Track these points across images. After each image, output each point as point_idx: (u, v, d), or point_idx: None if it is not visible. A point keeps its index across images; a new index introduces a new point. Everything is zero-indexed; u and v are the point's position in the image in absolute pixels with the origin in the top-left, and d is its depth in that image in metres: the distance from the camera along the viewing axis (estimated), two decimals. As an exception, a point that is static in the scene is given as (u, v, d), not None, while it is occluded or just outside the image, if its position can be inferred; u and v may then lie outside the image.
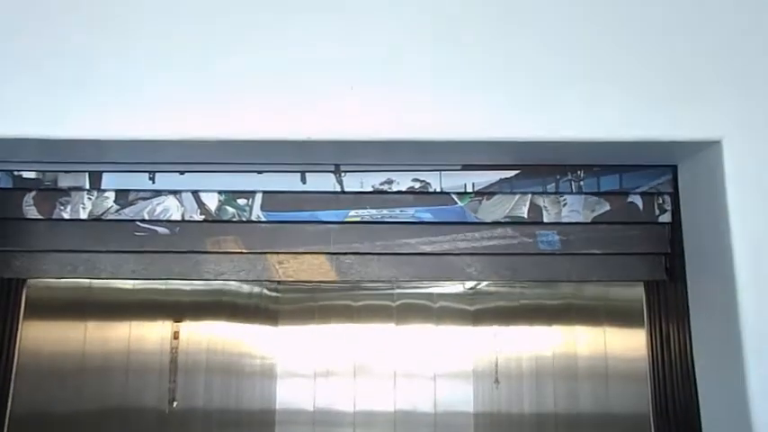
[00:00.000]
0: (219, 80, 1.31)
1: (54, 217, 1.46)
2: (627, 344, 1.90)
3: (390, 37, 1.33)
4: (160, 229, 1.47)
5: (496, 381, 4.47)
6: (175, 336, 3.09)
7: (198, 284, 3.58)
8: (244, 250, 1.47)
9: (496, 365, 4.47)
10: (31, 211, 1.45)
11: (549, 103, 1.31)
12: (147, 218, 1.46)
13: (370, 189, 1.44)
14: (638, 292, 1.68)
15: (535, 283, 3.25)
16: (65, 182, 1.45)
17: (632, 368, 1.80)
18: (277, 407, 5.61)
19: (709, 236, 1.31)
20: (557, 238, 1.49)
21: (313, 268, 1.48)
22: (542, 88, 1.31)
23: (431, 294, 5.88)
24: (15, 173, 1.44)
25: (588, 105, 1.31)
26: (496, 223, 1.47)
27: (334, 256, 1.49)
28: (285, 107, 1.29)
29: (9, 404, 1.74)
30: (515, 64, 1.33)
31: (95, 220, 1.47)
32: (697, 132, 1.28)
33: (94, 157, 1.39)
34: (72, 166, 1.41)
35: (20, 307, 1.75)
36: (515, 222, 1.47)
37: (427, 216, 1.46)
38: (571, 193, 1.44)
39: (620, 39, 1.34)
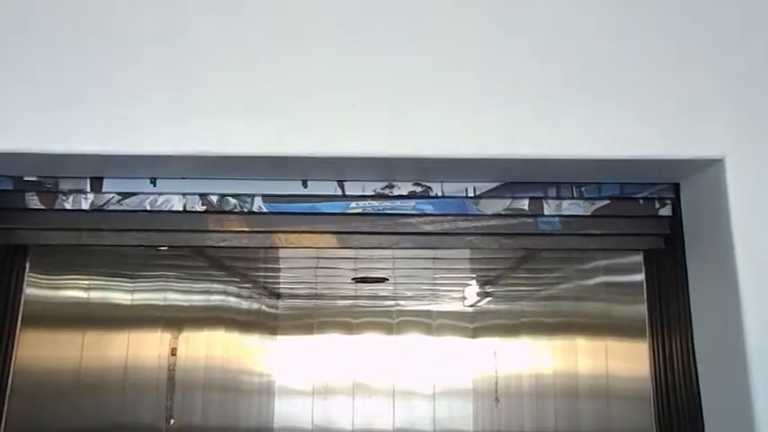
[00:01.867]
0: (221, 96, 1.31)
1: (56, 207, 1.49)
2: (629, 362, 1.89)
3: (392, 55, 1.33)
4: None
5: (496, 399, 4.45)
6: (173, 352, 3.08)
7: (196, 300, 3.57)
8: (246, 229, 1.48)
9: (496, 384, 4.46)
10: (34, 202, 1.48)
11: (549, 120, 1.30)
12: (149, 208, 1.48)
13: (372, 193, 1.45)
14: (640, 309, 1.67)
15: (536, 301, 3.24)
16: (66, 185, 1.47)
17: (634, 387, 1.79)
18: (275, 424, 5.60)
19: (713, 253, 1.30)
20: (557, 220, 1.49)
21: (315, 238, 1.49)
22: (543, 106, 1.31)
23: (430, 312, 5.87)
24: (16, 176, 1.46)
25: (590, 123, 1.30)
26: (497, 214, 1.47)
27: (337, 234, 1.50)
28: (287, 123, 1.29)
29: (3, 421, 1.72)
30: (516, 82, 1.33)
31: (97, 210, 1.48)
32: (699, 150, 1.28)
33: (96, 169, 1.39)
34: (73, 174, 1.43)
35: (17, 321, 1.74)
36: (517, 215, 1.47)
37: (428, 208, 1.47)
38: (572, 198, 1.46)
39: (621, 56, 1.34)
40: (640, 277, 1.66)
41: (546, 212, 1.48)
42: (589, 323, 2.28)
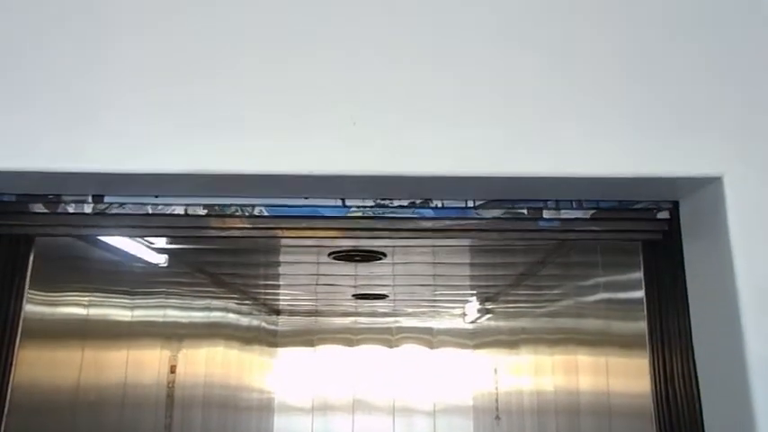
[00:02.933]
0: (221, 115, 1.32)
1: (59, 211, 1.50)
2: (630, 378, 1.88)
3: (392, 73, 1.34)
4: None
5: (497, 417, 4.43)
6: (172, 369, 3.07)
7: (196, 317, 3.56)
8: (247, 226, 1.49)
9: (497, 401, 4.44)
10: (37, 207, 1.49)
11: (547, 139, 1.31)
12: (150, 212, 1.49)
13: (372, 204, 1.46)
14: (640, 326, 1.67)
15: (536, 318, 3.23)
16: (68, 198, 1.48)
17: (635, 404, 1.78)
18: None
19: (713, 271, 1.30)
20: (557, 222, 1.50)
21: (317, 232, 1.51)
22: (539, 124, 1.31)
23: (430, 329, 5.86)
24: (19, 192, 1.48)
25: (588, 142, 1.31)
26: (497, 218, 1.48)
27: (338, 230, 1.51)
28: (288, 142, 1.30)
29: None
30: (513, 99, 1.34)
31: (99, 213, 1.49)
32: (697, 168, 1.28)
33: (97, 187, 1.40)
34: (75, 191, 1.44)
35: (15, 337, 1.74)
36: (516, 218, 1.48)
37: (428, 213, 1.48)
38: (571, 208, 1.47)
39: (619, 75, 1.35)
40: (640, 294, 1.66)
41: (545, 216, 1.49)
42: (589, 340, 2.27)
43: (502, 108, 1.33)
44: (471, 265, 3.40)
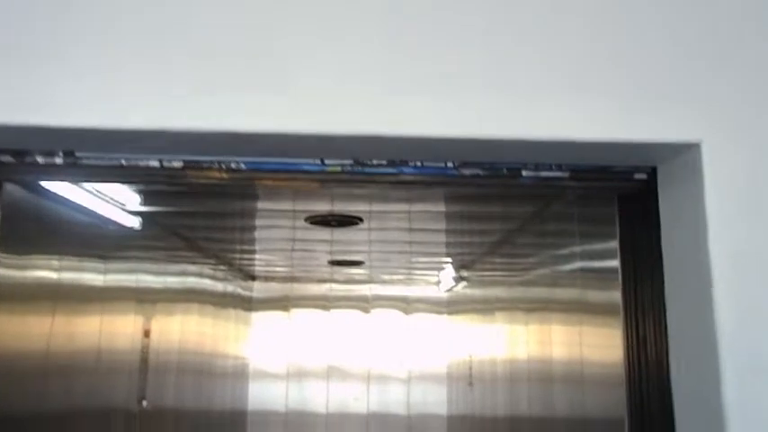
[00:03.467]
0: (196, 72, 1.28)
1: (27, 161, 1.45)
2: (603, 348, 1.90)
3: (374, 34, 1.30)
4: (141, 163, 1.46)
5: (470, 383, 4.48)
6: (146, 334, 3.04)
7: (170, 282, 3.53)
8: (225, 176, 1.46)
9: (470, 369, 4.48)
10: (5, 158, 1.44)
11: (526, 103, 1.29)
12: (124, 164, 1.45)
13: (351, 161, 1.44)
14: (615, 296, 1.68)
15: (511, 287, 3.25)
16: (37, 153, 1.44)
17: (608, 373, 1.80)
18: (249, 407, 5.59)
19: (688, 237, 1.31)
20: (535, 178, 1.51)
21: (296, 184, 1.49)
22: (519, 88, 1.29)
23: (406, 297, 5.89)
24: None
25: (567, 106, 1.29)
26: (477, 175, 1.48)
27: (318, 182, 1.50)
28: (266, 100, 1.27)
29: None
30: (493, 63, 1.31)
31: (71, 165, 1.45)
32: (676, 134, 1.27)
33: (68, 143, 1.36)
34: (44, 147, 1.40)
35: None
36: (496, 176, 1.48)
37: (409, 170, 1.47)
38: (550, 170, 1.46)
39: (598, 41, 1.33)
40: (616, 263, 1.67)
41: (524, 175, 1.48)
42: (564, 309, 2.29)
43: (481, 71, 1.31)
44: (447, 231, 3.40)
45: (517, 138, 1.29)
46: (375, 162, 1.44)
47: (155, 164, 1.43)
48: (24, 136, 1.33)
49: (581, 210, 2.10)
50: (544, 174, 1.49)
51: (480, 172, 1.47)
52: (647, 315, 1.46)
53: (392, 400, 5.73)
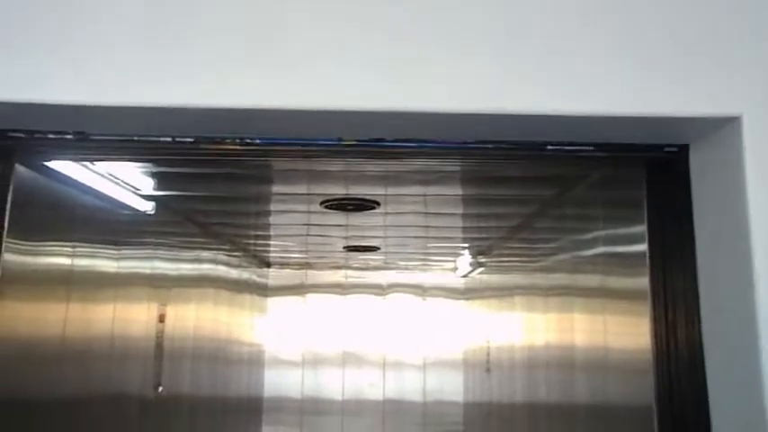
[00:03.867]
0: (210, 48, 1.23)
1: (37, 137, 1.42)
2: (627, 334, 1.84)
3: (390, 4, 1.25)
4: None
5: (488, 369, 4.43)
6: (161, 318, 3.02)
7: (186, 268, 3.49)
8: (239, 149, 1.41)
9: (488, 355, 4.43)
10: (16, 135, 1.41)
11: (549, 75, 1.21)
12: (136, 139, 1.41)
13: (367, 138, 1.38)
14: (640, 282, 1.62)
15: (529, 272, 3.18)
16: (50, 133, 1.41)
17: (633, 360, 1.74)
18: (265, 394, 5.58)
19: (725, 218, 1.24)
20: (562, 152, 1.45)
21: (312, 156, 1.44)
22: (543, 60, 1.22)
23: (422, 284, 5.84)
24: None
25: (592, 78, 1.21)
26: (500, 147, 1.42)
27: (335, 156, 1.45)
28: (281, 76, 1.21)
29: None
30: (517, 35, 1.24)
31: (82, 139, 1.41)
32: (713, 108, 1.20)
33: (78, 123, 1.32)
34: (54, 127, 1.37)
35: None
36: (521, 147, 1.41)
37: (427, 144, 1.41)
38: (575, 146, 1.40)
39: (627, 8, 1.26)
40: (642, 248, 1.60)
41: (549, 149, 1.42)
42: (586, 295, 2.22)
43: (501, 43, 1.25)
44: (464, 216, 3.34)
45: (541, 113, 1.23)
46: (392, 139, 1.38)
47: (167, 139, 1.39)
48: (35, 114, 1.29)
49: (605, 193, 2.03)
50: (569, 147, 1.43)
51: (503, 145, 1.40)
52: (677, 301, 1.40)
53: (408, 386, 5.70)
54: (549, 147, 1.42)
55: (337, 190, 2.60)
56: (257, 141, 1.38)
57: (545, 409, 2.77)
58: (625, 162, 1.62)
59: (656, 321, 1.47)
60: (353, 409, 5.67)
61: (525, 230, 3.25)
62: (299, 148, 1.43)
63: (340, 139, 1.39)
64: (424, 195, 2.76)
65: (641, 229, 1.61)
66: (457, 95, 1.22)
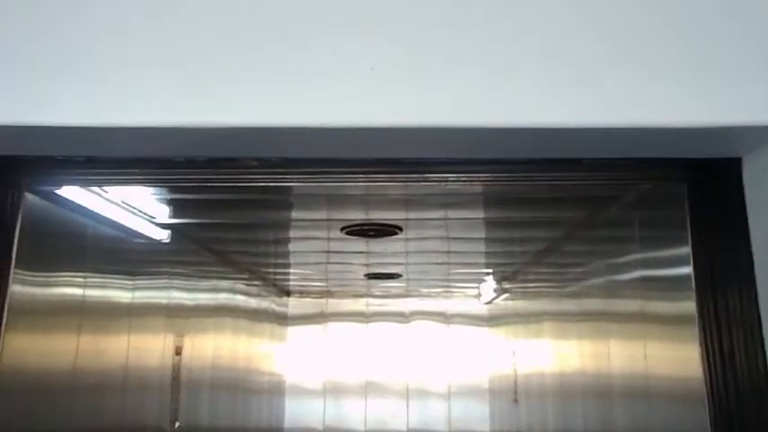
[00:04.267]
0: (222, 65, 1.16)
1: (46, 161, 1.37)
2: (672, 361, 1.72)
3: (416, 12, 1.17)
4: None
5: (515, 400, 4.28)
6: (177, 351, 2.93)
7: (202, 299, 3.41)
8: (257, 168, 1.34)
9: (515, 384, 4.28)
10: (23, 160, 1.37)
11: (587, 85, 1.13)
12: (148, 160, 1.35)
13: (392, 157, 1.31)
14: (686, 306, 1.51)
15: (559, 298, 3.06)
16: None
17: (680, 388, 1.62)
18: (285, 425, 5.45)
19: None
20: (599, 162, 1.36)
21: (333, 176, 1.38)
22: (581, 69, 1.14)
23: (445, 311, 5.71)
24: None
25: (634, 87, 1.12)
26: (531, 160, 1.35)
27: (358, 173, 1.39)
28: (299, 91, 1.14)
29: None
30: (553, 44, 1.16)
31: (91, 161, 1.35)
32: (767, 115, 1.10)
33: (87, 146, 1.26)
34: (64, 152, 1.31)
35: (2, 313, 1.60)
36: (554, 162, 1.34)
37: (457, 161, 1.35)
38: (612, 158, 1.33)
39: (671, 11, 1.17)
40: (687, 270, 1.49)
41: (585, 164, 1.33)
42: (624, 320, 2.10)
43: (538, 53, 1.16)
44: (488, 240, 3.23)
45: (579, 126, 1.13)
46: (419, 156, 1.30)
47: (180, 159, 1.32)
48: (42, 137, 1.23)
49: (641, 213, 1.92)
50: (605, 162, 1.33)
51: (537, 161, 1.32)
52: (733, 325, 1.28)
53: (432, 416, 5.55)
54: (585, 161, 1.33)
55: (357, 215, 2.52)
56: (274, 160, 1.29)
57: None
58: (665, 178, 1.52)
59: (707, 348, 1.36)
60: (376, 439, 5.52)
61: (553, 254, 3.13)
62: (320, 168, 1.35)
63: (362, 158, 1.31)
64: (447, 219, 2.67)
65: (684, 250, 1.50)
66: (489, 109, 1.13)
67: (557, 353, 3.09)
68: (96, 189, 1.91)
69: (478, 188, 2.08)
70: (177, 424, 2.89)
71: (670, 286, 1.69)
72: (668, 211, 1.68)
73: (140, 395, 2.57)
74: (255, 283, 4.58)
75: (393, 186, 1.80)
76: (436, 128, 1.13)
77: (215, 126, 1.14)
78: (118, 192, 2.05)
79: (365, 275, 4.50)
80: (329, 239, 3.07)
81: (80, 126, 1.16)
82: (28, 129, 1.17)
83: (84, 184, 1.65)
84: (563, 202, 2.29)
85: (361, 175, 1.40)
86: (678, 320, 1.65)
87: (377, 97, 1.13)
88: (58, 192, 1.79)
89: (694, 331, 1.49)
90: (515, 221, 2.71)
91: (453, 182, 1.46)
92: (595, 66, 1.15)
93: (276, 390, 5.31)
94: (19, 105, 1.16)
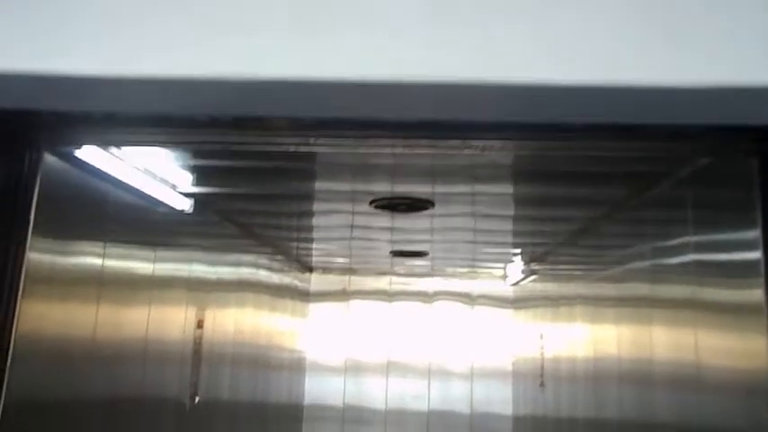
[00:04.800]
0: (251, 12, 1.06)
1: (66, 117, 1.27)
2: (731, 352, 1.59)
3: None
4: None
5: (542, 384, 4.17)
6: (199, 324, 2.85)
7: (224, 273, 3.32)
8: (286, 129, 1.24)
9: (542, 368, 4.17)
10: (43, 116, 1.27)
11: (659, 40, 1.00)
12: (169, 117, 1.25)
13: (434, 118, 1.20)
14: (750, 294, 1.39)
15: (594, 282, 2.93)
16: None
17: (741, 380, 1.50)
18: (305, 402, 5.41)
19: None
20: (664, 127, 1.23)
21: (368, 140, 1.29)
22: (648, 22, 1.01)
23: (470, 291, 5.60)
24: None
25: (710, 42, 0.99)
26: (595, 127, 1.22)
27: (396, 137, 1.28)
28: (338, 42, 1.03)
29: (3, 390, 1.51)
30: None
31: (110, 118, 1.26)
32: None
33: (105, 99, 1.16)
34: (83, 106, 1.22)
35: (19, 280, 1.52)
36: (615, 127, 1.21)
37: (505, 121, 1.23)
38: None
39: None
40: (754, 255, 1.37)
41: (648, 129, 1.20)
42: (671, 307, 1.97)
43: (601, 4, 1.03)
44: (520, 219, 3.09)
45: (640, 85, 1.00)
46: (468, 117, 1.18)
47: (203, 117, 1.21)
48: (60, 88, 1.13)
49: (698, 192, 1.78)
50: (669, 127, 1.20)
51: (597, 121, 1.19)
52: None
53: (454, 397, 5.46)
54: (647, 127, 1.20)
55: (386, 188, 2.40)
56: (307, 121, 1.18)
57: (615, 427, 2.52)
58: (731, 150, 1.39)
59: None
60: (397, 419, 5.45)
61: (590, 236, 3.00)
62: (354, 130, 1.23)
63: (399, 119, 1.19)
64: (479, 195, 2.54)
65: (751, 233, 1.38)
66: (547, 64, 1.00)
67: (590, 338, 2.96)
68: (118, 154, 1.82)
69: (516, 159, 1.95)
70: (197, 399, 2.82)
71: (730, 272, 1.56)
72: (730, 190, 1.55)
73: (160, 368, 2.49)
74: (278, 258, 4.50)
75: (428, 154, 1.68)
76: (486, 85, 1.01)
77: (242, 79, 1.03)
78: (139, 157, 1.96)
79: (391, 252, 4.39)
80: (355, 213, 2.95)
81: (97, 76, 1.06)
82: (45, 78, 1.08)
83: (104, 143, 1.55)
84: (606, 179, 2.15)
85: (400, 139, 1.28)
86: (738, 309, 1.52)
87: (421, 50, 1.01)
88: (78, 153, 1.69)
89: (760, 321, 1.37)
90: (552, 198, 2.56)
91: (492, 150, 1.34)
92: (673, 20, 1.02)
93: (296, 367, 5.26)
94: (36, 52, 1.07)
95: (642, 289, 2.23)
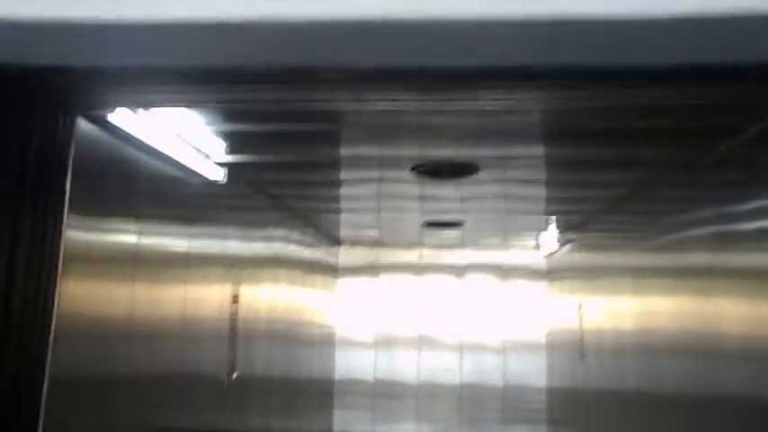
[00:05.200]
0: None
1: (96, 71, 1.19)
2: (745, 320, 1.48)
3: None
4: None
5: (582, 356, 4.07)
6: (234, 299, 2.78)
7: (258, 248, 3.23)
8: (339, 77, 1.16)
9: (581, 339, 4.07)
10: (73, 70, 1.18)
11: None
12: (206, 65, 1.17)
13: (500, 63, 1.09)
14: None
15: (644, 251, 2.81)
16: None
17: (750, 347, 1.40)
18: (336, 377, 5.36)
19: None
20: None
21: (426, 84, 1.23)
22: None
23: (502, 262, 5.49)
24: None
25: None
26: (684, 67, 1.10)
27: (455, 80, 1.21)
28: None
29: (47, 366, 1.45)
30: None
31: (143, 72, 1.18)
32: None
33: (141, 49, 1.07)
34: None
35: (58, 254, 1.45)
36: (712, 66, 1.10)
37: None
38: None
39: None
40: None
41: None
42: (740, 277, 1.84)
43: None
44: (557, 184, 2.94)
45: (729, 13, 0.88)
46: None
47: (247, 70, 1.11)
48: (92, 39, 1.03)
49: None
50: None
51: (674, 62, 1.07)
52: None
53: (486, 370, 5.39)
54: (737, 67, 1.08)
55: (430, 152, 2.27)
56: (360, 71, 1.08)
57: (672, 400, 2.41)
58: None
59: None
60: (428, 393, 5.40)
61: (637, 201, 2.86)
62: (408, 80, 1.13)
63: (452, 65, 1.09)
64: (523, 158, 2.40)
65: None
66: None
67: (638, 309, 2.84)
68: (150, 120, 1.72)
69: (570, 115, 1.82)
70: (235, 374, 2.75)
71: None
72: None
73: (198, 345, 2.42)
74: (308, 231, 4.41)
75: (475, 112, 1.56)
76: (565, 20, 0.89)
77: (293, 21, 0.92)
78: (172, 123, 1.86)
79: (424, 223, 4.27)
80: (391, 181, 2.83)
81: (131, 22, 0.96)
82: (77, 26, 0.97)
83: (140, 104, 1.45)
84: (660, 137, 2.01)
85: (464, 90, 1.18)
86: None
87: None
88: (111, 118, 1.60)
89: None
90: (600, 161, 2.42)
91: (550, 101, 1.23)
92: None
93: (327, 342, 5.20)
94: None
95: (703, 258, 2.10)
